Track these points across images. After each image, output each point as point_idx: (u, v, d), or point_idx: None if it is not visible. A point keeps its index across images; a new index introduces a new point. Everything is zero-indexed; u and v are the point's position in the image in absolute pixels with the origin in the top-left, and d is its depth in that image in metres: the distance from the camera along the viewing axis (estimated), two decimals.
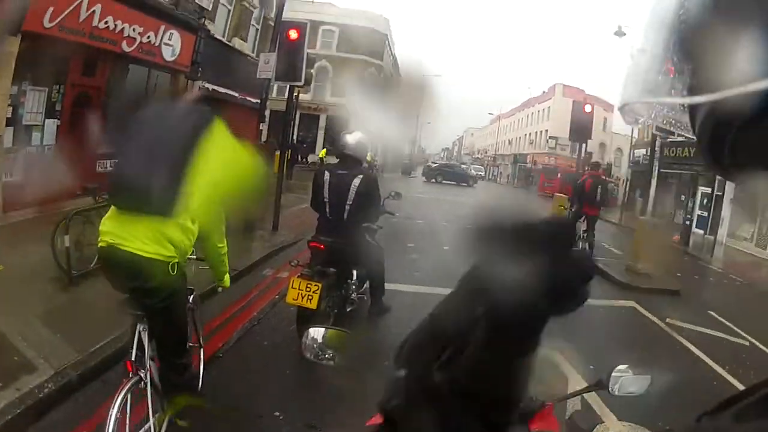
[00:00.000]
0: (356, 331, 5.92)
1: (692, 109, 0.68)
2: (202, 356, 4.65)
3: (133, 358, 3.43)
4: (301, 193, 15.87)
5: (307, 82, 14.57)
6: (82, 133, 12.85)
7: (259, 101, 14.12)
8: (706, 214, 28.25)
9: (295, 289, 5.39)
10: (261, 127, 12.09)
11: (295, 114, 31.27)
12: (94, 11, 12.37)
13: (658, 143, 28.79)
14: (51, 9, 11.12)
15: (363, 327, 6.46)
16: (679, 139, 30.18)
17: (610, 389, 2.09)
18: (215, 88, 18.12)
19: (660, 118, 0.86)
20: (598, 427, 4.83)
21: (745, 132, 0.59)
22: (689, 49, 0.67)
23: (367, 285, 6.70)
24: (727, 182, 25.49)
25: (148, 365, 3.51)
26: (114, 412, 3.13)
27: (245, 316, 6.62)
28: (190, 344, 4.10)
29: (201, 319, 4.71)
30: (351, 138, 5.90)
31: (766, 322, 9.47)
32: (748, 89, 0.52)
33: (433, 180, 47.06)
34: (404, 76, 24.33)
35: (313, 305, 5.35)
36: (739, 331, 8.98)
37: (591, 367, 6.01)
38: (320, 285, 5.39)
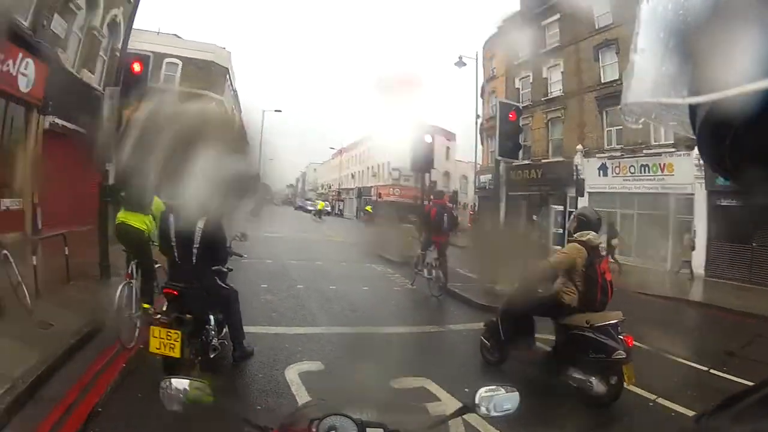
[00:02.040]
0: (218, 378, 5.86)
1: (692, 109, 0.73)
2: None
3: (129, 272, 7.76)
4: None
5: None
6: None
7: None
8: (561, 231, 29.46)
9: (156, 338, 5.21)
10: (107, 167, 11.62)
11: None
12: None
13: (502, 167, 29.33)
14: None
15: (228, 373, 6.37)
16: (524, 162, 31.11)
17: (479, 411, 2.10)
18: (65, 123, 17.18)
19: (660, 118, 0.86)
20: None
21: (745, 132, 0.63)
22: (689, 49, 0.70)
23: (227, 329, 6.52)
24: (579, 198, 26.61)
25: (135, 276, 7.80)
26: (117, 294, 7.10)
27: (115, 368, 6.38)
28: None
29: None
30: None
31: (642, 322, 9.71)
32: (748, 89, 0.56)
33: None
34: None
35: (176, 354, 5.18)
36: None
37: (466, 389, 6.02)
38: (180, 333, 5.21)
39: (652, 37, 0.76)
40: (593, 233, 6.58)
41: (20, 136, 15.98)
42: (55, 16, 16.29)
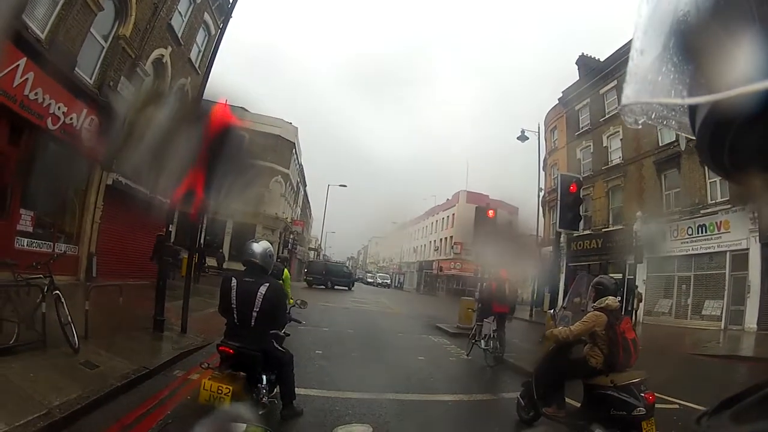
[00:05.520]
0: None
1: (692, 110, 0.72)
2: None
3: None
4: (207, 297, 15.73)
5: None
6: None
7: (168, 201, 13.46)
8: (619, 298, 29.14)
9: (207, 390, 5.30)
10: (170, 228, 11.87)
11: (203, 218, 30.73)
12: (27, 79, 12.22)
13: (563, 239, 29.23)
14: None
15: (275, 430, 6.29)
16: (585, 232, 31.03)
17: None
18: (128, 182, 17.70)
19: (660, 119, 0.85)
20: None
21: (745, 132, 0.63)
22: (689, 50, 0.70)
23: (277, 389, 6.62)
24: (638, 265, 26.85)
25: None
26: None
27: (159, 414, 6.57)
28: None
29: None
30: (258, 247, 6.06)
31: (694, 384, 10.00)
32: (748, 89, 0.56)
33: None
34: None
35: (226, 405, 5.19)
36: (668, 397, 8.98)
37: None
38: (231, 388, 5.30)
39: (652, 38, 0.77)
40: (611, 297, 6.98)
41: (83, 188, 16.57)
42: (122, 78, 16.92)
